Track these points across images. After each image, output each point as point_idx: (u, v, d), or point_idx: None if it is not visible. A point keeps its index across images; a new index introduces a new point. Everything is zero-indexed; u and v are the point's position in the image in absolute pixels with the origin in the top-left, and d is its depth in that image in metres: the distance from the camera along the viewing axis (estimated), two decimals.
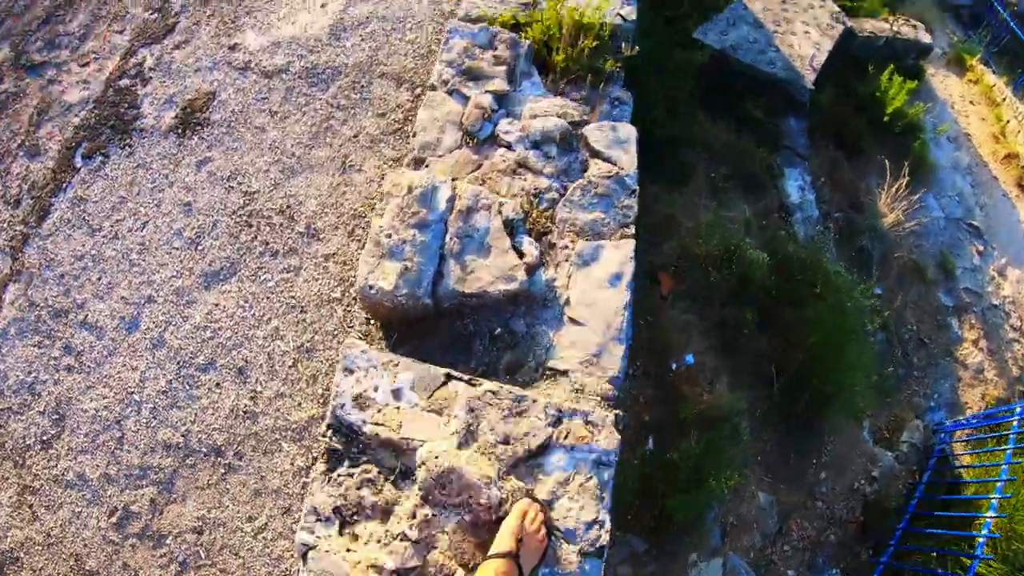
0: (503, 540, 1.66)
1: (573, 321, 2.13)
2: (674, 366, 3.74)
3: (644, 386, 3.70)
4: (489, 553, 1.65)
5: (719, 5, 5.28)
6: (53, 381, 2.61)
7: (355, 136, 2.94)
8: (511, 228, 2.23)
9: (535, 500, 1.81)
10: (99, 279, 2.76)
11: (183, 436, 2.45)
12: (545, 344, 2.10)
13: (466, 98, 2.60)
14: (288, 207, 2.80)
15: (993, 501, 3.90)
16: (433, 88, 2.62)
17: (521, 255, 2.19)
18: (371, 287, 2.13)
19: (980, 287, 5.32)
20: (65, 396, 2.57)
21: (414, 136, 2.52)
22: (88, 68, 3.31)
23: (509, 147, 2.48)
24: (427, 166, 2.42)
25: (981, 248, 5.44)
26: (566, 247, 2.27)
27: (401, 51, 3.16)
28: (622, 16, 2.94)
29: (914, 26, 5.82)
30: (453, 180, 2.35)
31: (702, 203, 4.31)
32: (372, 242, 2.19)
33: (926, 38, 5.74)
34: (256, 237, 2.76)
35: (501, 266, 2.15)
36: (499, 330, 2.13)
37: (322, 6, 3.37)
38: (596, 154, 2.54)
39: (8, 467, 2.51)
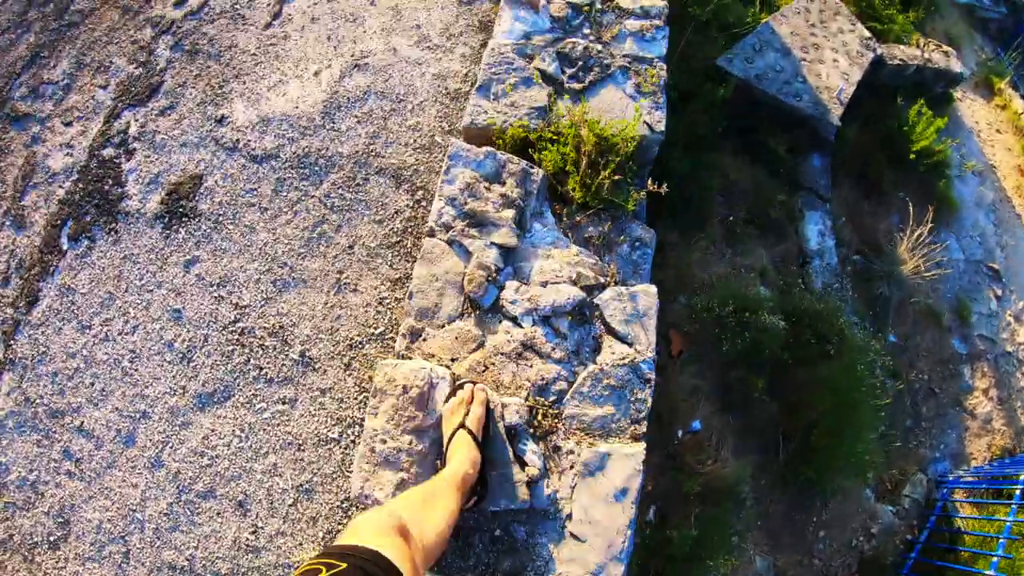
0: (452, 420, 2.00)
1: (574, 537, 2.02)
2: (680, 433, 3.59)
3: (648, 451, 3.55)
4: (448, 431, 1.96)
5: (746, 25, 4.98)
6: (55, 484, 2.51)
7: (350, 247, 2.73)
8: (513, 434, 2.07)
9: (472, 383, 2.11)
10: (92, 384, 2.63)
11: (188, 560, 2.34)
12: (544, 556, 2.02)
13: (468, 252, 2.37)
14: (281, 328, 2.61)
15: (994, 559, 3.80)
16: (431, 234, 2.39)
17: (523, 464, 2.04)
18: (367, 496, 1.97)
19: (995, 334, 5.14)
20: (68, 501, 2.48)
21: (410, 298, 2.31)
22: (72, 128, 3.06)
23: (515, 320, 2.29)
24: (424, 340, 2.23)
25: (999, 292, 5.25)
26: (571, 451, 2.12)
27: (401, 139, 2.92)
28: (649, 125, 2.73)
29: (945, 52, 5.52)
30: (452, 361, 2.15)
31: (718, 250, 4.10)
32: (366, 446, 2.05)
33: (957, 67, 5.45)
34: (249, 360, 2.59)
35: (501, 481, 2.00)
36: (499, 532, 2.04)
37: (315, 74, 3.11)
38: (611, 331, 2.36)
39: (18, 560, 2.41)
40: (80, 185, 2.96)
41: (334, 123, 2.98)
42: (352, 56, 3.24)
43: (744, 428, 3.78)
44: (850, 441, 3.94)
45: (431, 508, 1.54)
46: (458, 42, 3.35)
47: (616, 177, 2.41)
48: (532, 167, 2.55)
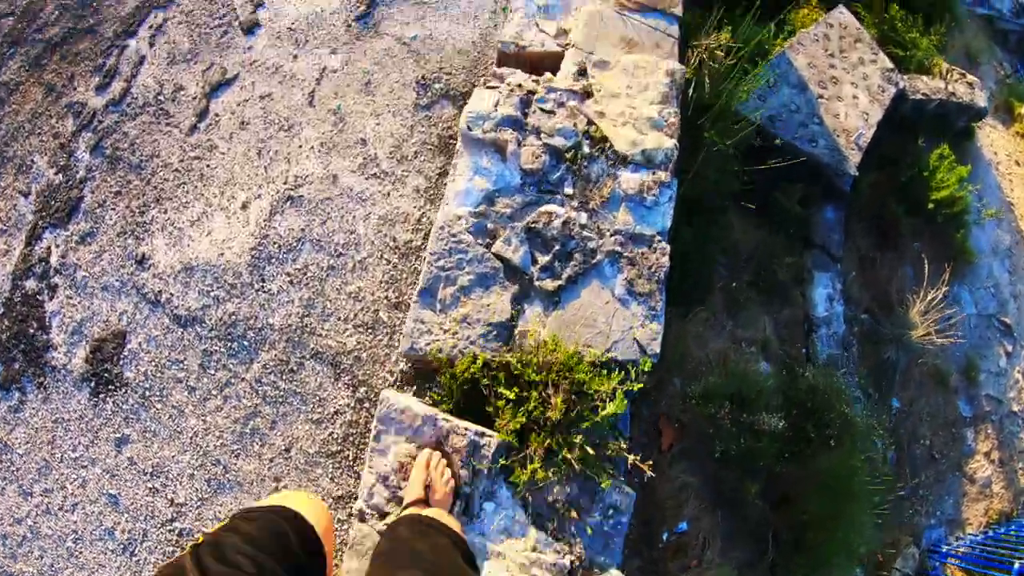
0: (411, 490, 1.82)
1: None
2: (665, 536, 3.27)
3: (629, 557, 3.24)
4: (403, 504, 1.79)
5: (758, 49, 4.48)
6: None
7: (287, 449, 2.40)
8: None
9: (438, 450, 1.92)
10: (41, 559, 2.46)
11: None
12: None
13: None
14: None
15: None
16: (361, 518, 1.92)
17: None
18: None
19: (1002, 393, 4.84)
20: None
21: None
22: None
23: None
24: None
25: (1010, 349, 4.92)
26: None
27: (341, 312, 2.50)
28: (639, 344, 2.15)
29: (969, 83, 5.06)
30: None
31: (718, 322, 3.72)
32: None
33: (981, 100, 5.00)
34: None
35: None
36: None
37: (243, 207, 2.67)
38: None
39: None
40: (6, 323, 2.67)
41: (264, 281, 2.57)
42: (285, 183, 2.77)
43: (734, 526, 3.47)
44: (845, 531, 3.65)
45: None
46: (411, 168, 2.79)
47: (593, 419, 1.94)
48: (483, 436, 2.02)
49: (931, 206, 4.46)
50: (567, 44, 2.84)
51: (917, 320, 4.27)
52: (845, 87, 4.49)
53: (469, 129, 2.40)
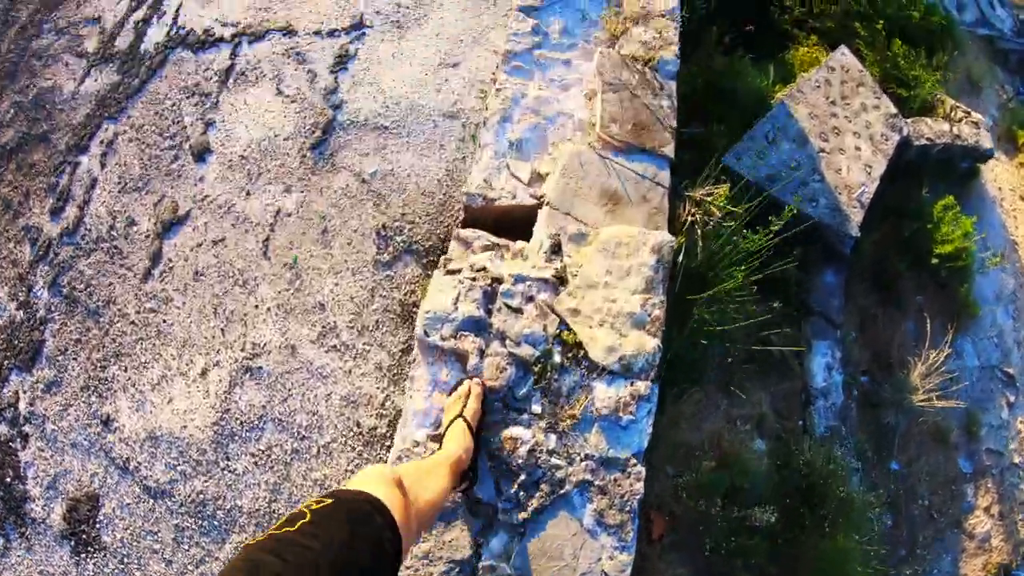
0: (452, 409, 2.10)
1: None
2: None
3: None
4: (444, 422, 2.03)
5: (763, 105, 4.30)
6: None
7: None
8: None
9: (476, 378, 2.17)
10: None
11: None
12: None
13: None
14: None
15: None
16: None
17: None
18: None
19: (1003, 446, 4.71)
20: None
21: None
22: None
23: None
24: None
25: (1012, 399, 4.78)
26: None
27: (307, 502, 2.34)
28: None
29: (975, 123, 4.88)
30: None
31: (712, 402, 3.58)
32: None
33: (986, 142, 4.82)
34: None
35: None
36: None
37: (202, 374, 2.53)
38: None
39: None
40: None
41: (228, 460, 2.45)
42: (243, 350, 2.62)
43: None
44: None
45: (428, 479, 1.61)
46: (373, 341, 2.59)
47: None
48: None
49: (935, 260, 4.29)
50: (541, 197, 2.60)
51: (918, 383, 4.13)
52: (847, 138, 4.30)
53: (426, 335, 2.20)
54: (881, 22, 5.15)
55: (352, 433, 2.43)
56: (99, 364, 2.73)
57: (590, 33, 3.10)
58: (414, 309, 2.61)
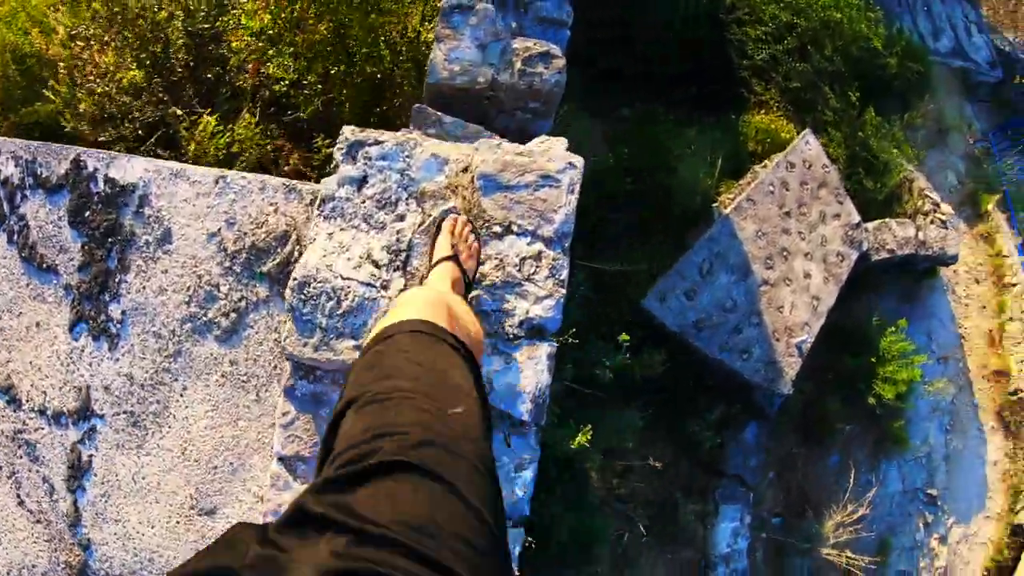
0: (442, 248, 1.76)
1: None
2: None
3: None
4: (435, 259, 1.73)
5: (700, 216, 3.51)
6: None
7: None
8: None
9: (458, 213, 1.89)
10: None
11: None
12: None
13: None
14: None
15: None
16: None
17: None
18: None
19: (913, 565, 4.42)
20: None
21: None
22: None
23: None
24: None
25: (930, 519, 4.45)
26: None
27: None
28: None
29: (943, 220, 4.20)
30: None
31: None
32: None
33: (953, 247, 4.20)
34: None
35: None
36: None
37: None
38: None
39: None
40: None
41: None
42: None
43: None
44: None
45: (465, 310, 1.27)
46: None
47: None
48: None
49: (872, 400, 3.74)
50: None
51: (829, 535, 3.70)
52: (797, 261, 3.56)
53: None
54: (855, 84, 4.27)
55: None
56: None
57: None
58: None
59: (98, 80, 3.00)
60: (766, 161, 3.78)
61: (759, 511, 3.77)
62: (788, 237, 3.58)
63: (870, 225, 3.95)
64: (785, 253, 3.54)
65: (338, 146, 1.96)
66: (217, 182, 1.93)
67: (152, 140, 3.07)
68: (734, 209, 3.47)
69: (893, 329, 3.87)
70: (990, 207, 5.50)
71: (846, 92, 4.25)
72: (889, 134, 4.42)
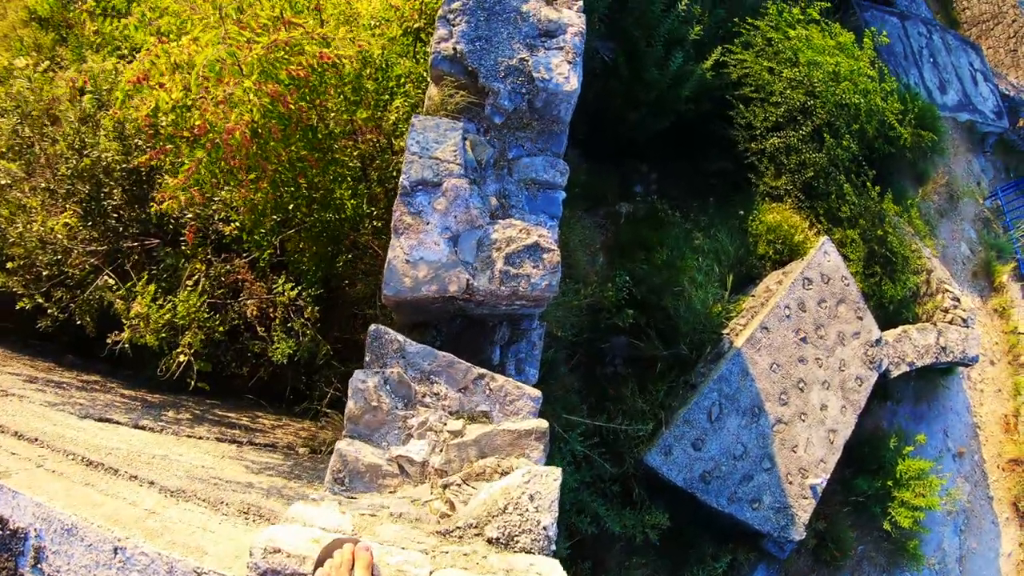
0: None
1: None
2: None
3: None
4: None
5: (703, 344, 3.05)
6: None
7: None
8: None
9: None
10: None
11: None
12: None
13: None
14: None
15: None
16: None
17: None
18: None
19: None
20: None
21: None
22: None
23: None
24: None
25: None
26: None
27: None
28: None
29: (964, 319, 3.75)
30: None
31: None
32: None
33: (974, 347, 3.76)
34: None
35: None
36: None
37: None
38: None
39: None
40: None
41: None
42: None
43: None
44: None
45: None
46: None
47: None
48: None
49: (888, 526, 3.32)
50: None
51: None
52: (813, 394, 3.11)
53: None
54: (872, 173, 3.80)
55: None
56: None
57: None
58: None
59: (27, 228, 2.52)
60: (781, 275, 3.31)
61: None
62: (804, 366, 3.12)
63: (890, 336, 3.50)
64: (801, 385, 3.09)
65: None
66: (116, 552, 1.43)
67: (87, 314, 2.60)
68: (747, 342, 3.01)
69: (911, 448, 3.44)
70: (1004, 278, 5.05)
71: (863, 181, 3.78)
72: (906, 218, 3.96)
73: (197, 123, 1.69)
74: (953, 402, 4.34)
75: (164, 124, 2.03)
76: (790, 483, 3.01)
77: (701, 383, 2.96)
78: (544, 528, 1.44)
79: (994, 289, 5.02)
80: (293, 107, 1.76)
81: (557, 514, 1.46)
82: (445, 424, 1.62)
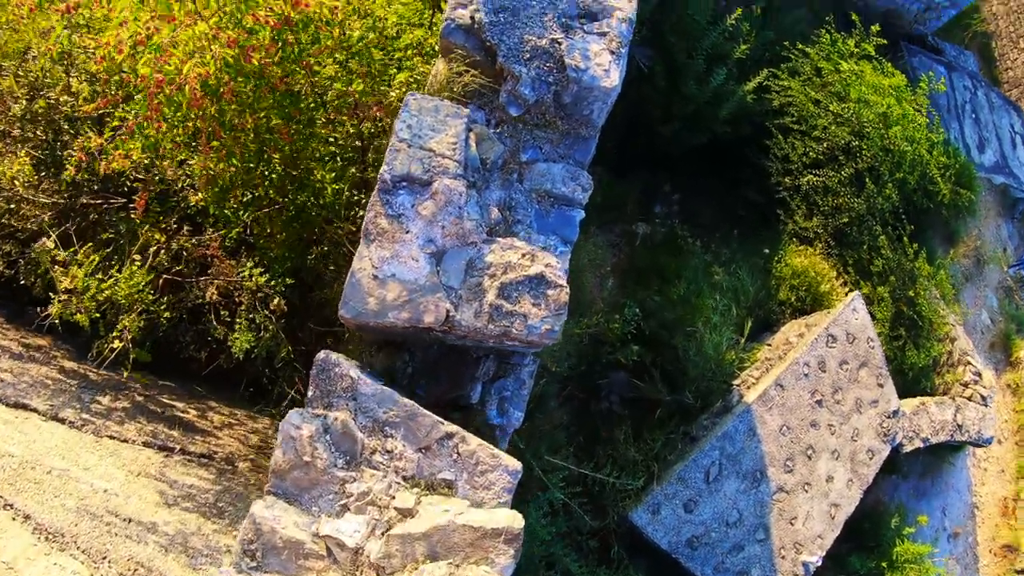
0: None
1: None
2: None
3: None
4: None
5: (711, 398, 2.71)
6: None
7: None
8: None
9: None
10: None
11: None
12: None
13: None
14: None
15: None
16: None
17: None
18: None
19: None
20: None
21: None
22: None
23: None
24: None
25: None
26: None
27: None
28: None
29: (983, 397, 3.41)
30: None
31: None
32: None
33: (990, 429, 3.44)
34: None
35: None
36: None
37: None
38: None
39: None
40: None
41: None
42: None
43: None
44: None
45: None
46: None
47: None
48: None
49: None
50: None
51: None
52: (821, 463, 2.78)
53: None
54: (910, 228, 3.45)
55: None
56: None
57: None
58: None
59: None
60: (803, 327, 2.97)
61: None
62: (816, 432, 2.78)
63: (908, 407, 3.16)
64: (810, 452, 2.75)
65: None
66: None
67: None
68: (759, 398, 2.66)
69: (912, 530, 3.11)
70: (1022, 353, 4.72)
71: (899, 235, 3.43)
72: (935, 280, 3.61)
73: (141, 71, 1.33)
74: (956, 479, 4.01)
75: (124, 68, 1.66)
76: (783, 557, 2.67)
77: (703, 437, 2.61)
78: None
79: (1010, 363, 4.69)
80: (258, 63, 1.39)
81: None
82: (393, 498, 1.25)
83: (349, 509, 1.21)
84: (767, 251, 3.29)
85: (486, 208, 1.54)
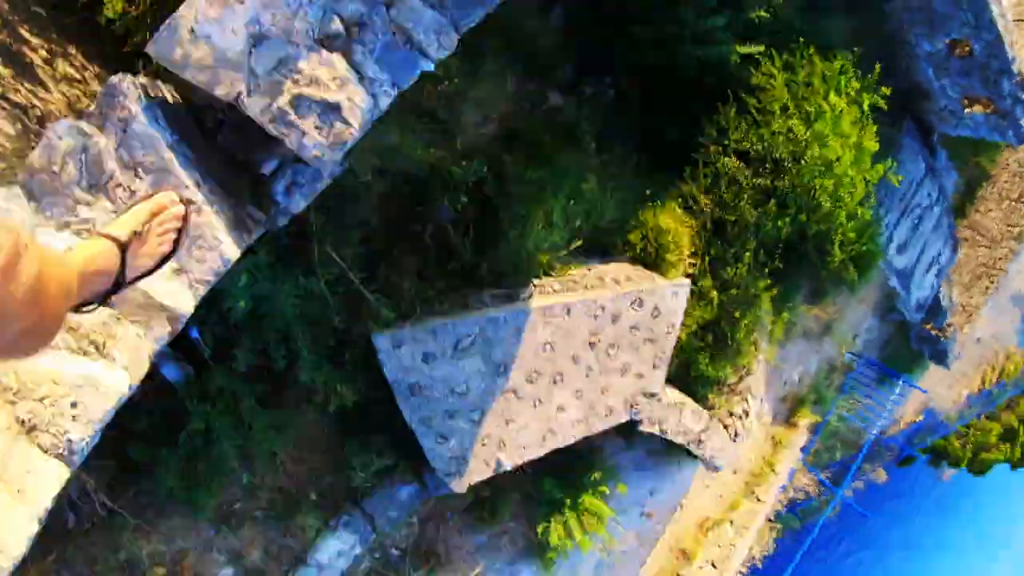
0: (121, 224, 1.20)
1: None
2: None
3: None
4: (100, 229, 1.22)
5: None
6: None
7: None
8: None
9: (185, 202, 1.33)
10: None
11: None
12: None
13: None
14: None
15: None
16: None
17: None
18: None
19: None
20: None
21: None
22: None
23: None
24: None
25: None
26: None
27: None
28: None
29: (736, 434, 3.75)
30: None
31: None
32: None
33: (724, 461, 3.79)
34: None
35: None
36: None
37: None
38: None
39: None
40: None
41: None
42: None
43: None
44: None
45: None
46: None
47: None
48: None
49: (540, 530, 3.36)
50: None
51: None
52: (562, 392, 2.96)
53: None
54: (780, 266, 3.53)
55: None
56: None
57: None
58: None
59: None
60: (626, 277, 3.01)
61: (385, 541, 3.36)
62: (573, 367, 2.91)
63: (667, 397, 3.36)
64: (557, 378, 2.89)
65: None
66: None
67: None
68: (544, 308, 2.72)
69: (606, 490, 3.42)
70: (802, 422, 5.14)
71: (764, 265, 3.50)
72: (772, 318, 3.77)
73: None
74: (677, 477, 4.43)
75: None
76: (484, 445, 2.86)
77: (475, 310, 2.65)
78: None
79: (788, 422, 5.12)
80: None
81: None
82: None
83: (68, 228, 1.20)
84: (648, 192, 3.25)
85: (330, 15, 1.40)
